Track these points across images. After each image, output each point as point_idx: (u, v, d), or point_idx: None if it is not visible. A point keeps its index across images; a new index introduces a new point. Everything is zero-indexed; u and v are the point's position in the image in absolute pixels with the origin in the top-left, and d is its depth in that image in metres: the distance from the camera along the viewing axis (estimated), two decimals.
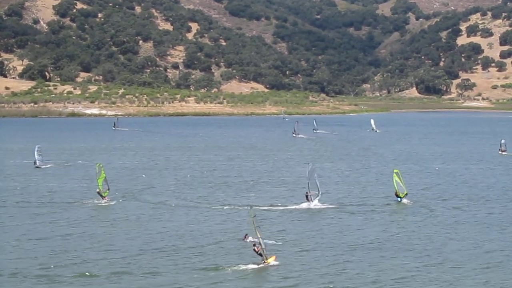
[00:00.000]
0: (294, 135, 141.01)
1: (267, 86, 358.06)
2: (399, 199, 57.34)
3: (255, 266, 38.06)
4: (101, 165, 58.05)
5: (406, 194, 57.57)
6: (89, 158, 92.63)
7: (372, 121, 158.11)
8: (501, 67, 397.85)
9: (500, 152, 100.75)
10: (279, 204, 56.77)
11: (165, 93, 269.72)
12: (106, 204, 56.43)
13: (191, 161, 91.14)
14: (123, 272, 37.21)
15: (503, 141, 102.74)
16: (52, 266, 37.96)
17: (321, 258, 39.99)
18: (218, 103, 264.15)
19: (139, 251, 41.72)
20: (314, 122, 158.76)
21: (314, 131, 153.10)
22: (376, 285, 34.95)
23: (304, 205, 55.68)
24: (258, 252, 38.47)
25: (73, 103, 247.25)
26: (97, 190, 57.11)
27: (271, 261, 38.46)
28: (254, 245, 38.62)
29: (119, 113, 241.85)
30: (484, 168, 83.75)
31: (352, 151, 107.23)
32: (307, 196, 55.97)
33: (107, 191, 57.18)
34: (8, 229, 48.07)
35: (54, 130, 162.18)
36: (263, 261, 38.39)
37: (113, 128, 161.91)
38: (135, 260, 39.78)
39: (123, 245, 43.17)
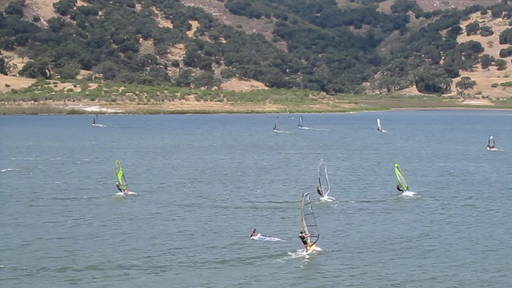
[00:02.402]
0: (275, 130, 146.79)
1: (267, 84, 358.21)
2: (401, 191, 59.54)
3: (302, 254, 39.36)
4: (119, 162, 60.65)
5: (407, 187, 59.76)
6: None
7: (378, 121, 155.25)
8: (501, 65, 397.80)
9: (488, 148, 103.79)
10: (291, 201, 57.57)
11: (165, 91, 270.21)
12: (126, 196, 59.05)
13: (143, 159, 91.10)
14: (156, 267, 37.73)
15: (491, 137, 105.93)
16: (73, 264, 38.14)
17: (339, 257, 39.90)
18: (218, 101, 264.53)
19: (178, 244, 42.48)
20: (300, 119, 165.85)
21: (300, 127, 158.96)
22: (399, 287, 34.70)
23: (319, 199, 56.77)
24: (304, 240, 39.66)
25: (73, 101, 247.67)
26: (116, 183, 59.97)
27: (313, 248, 39.70)
28: (301, 232, 39.81)
29: (119, 111, 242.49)
30: (476, 164, 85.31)
31: (359, 149, 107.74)
32: (319, 191, 57.35)
33: (126, 185, 59.86)
34: (25, 225, 48.27)
35: (32, 127, 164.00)
36: (306, 248, 39.69)
37: (93, 124, 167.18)
38: (172, 253, 40.41)
39: (146, 241, 43.66)
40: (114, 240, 43.94)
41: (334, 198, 57.60)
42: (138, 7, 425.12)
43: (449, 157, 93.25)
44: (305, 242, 39.83)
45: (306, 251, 39.65)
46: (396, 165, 60.41)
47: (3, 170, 76.91)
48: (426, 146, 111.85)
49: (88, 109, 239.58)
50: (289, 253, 40.15)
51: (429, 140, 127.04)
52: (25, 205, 55.59)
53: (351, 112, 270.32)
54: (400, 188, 59.76)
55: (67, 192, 62.16)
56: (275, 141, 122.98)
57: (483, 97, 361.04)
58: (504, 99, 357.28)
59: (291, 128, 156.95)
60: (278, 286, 34.82)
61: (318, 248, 40.08)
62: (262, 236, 43.15)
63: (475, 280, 35.57)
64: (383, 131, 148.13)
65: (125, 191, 59.60)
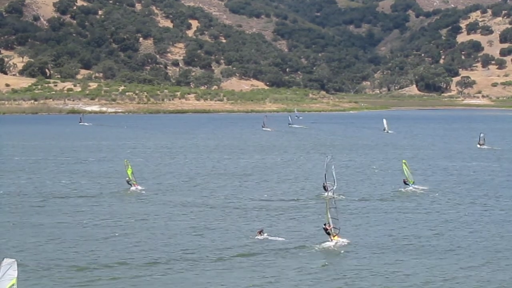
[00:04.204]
0: (263, 128, 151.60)
1: (267, 83, 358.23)
2: (408, 185, 62.60)
3: (328, 244, 40.98)
4: (127, 161, 64.38)
5: (414, 182, 63.11)
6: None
7: (385, 121, 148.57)
8: (501, 64, 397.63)
9: (478, 145, 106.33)
10: (299, 198, 58.27)
11: (165, 90, 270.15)
12: (136, 191, 61.94)
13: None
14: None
15: (481, 135, 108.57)
16: (86, 264, 38.31)
17: (349, 256, 39.95)
18: (218, 100, 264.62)
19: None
20: (290, 118, 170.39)
21: (290, 125, 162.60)
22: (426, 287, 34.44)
23: (324, 195, 57.72)
24: (327, 231, 41.55)
25: (73, 100, 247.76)
26: (127, 179, 63.20)
27: (337, 238, 41.46)
28: (325, 224, 41.75)
29: (119, 110, 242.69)
30: (469, 162, 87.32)
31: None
32: (324, 187, 58.64)
33: (135, 181, 63.34)
34: (38, 225, 48.45)
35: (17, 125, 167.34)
36: (330, 239, 41.49)
37: (80, 123, 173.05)
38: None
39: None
40: (124, 239, 44.24)
41: (341, 195, 58.10)
42: (138, 6, 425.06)
43: (450, 156, 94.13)
44: (328, 234, 41.66)
45: (330, 241, 41.38)
46: (403, 161, 64.02)
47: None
48: (430, 145, 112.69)
49: (88, 108, 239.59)
50: (297, 251, 40.42)
51: (433, 139, 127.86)
52: (35, 205, 55.85)
53: (351, 111, 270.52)
54: (407, 182, 62.82)
55: (75, 191, 62.78)
56: (277, 140, 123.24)
57: (483, 96, 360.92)
58: (504, 98, 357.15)
59: (280, 126, 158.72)
60: (290, 284, 34.90)
61: (341, 239, 41.69)
62: (267, 236, 43.40)
63: (493, 281, 35.32)
64: (389, 132, 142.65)
65: (135, 185, 62.85)
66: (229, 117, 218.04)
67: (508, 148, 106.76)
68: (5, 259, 23.94)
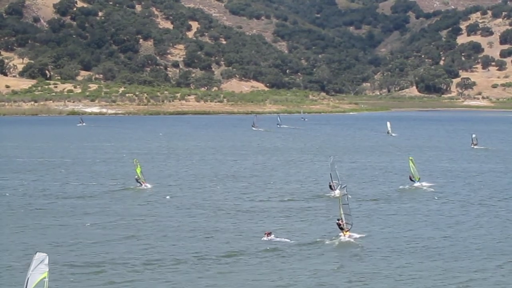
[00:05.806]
0: (253, 128, 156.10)
1: (267, 84, 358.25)
2: (413, 182, 64.02)
3: (336, 245, 41.84)
4: (137, 160, 66.18)
5: (419, 179, 64.42)
6: None
7: (388, 124, 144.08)
8: (501, 66, 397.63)
9: (472, 145, 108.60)
10: (305, 199, 58.54)
11: (165, 92, 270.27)
12: (146, 188, 64.13)
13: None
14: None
15: (474, 135, 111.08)
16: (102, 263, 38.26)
17: (355, 256, 39.88)
18: (218, 101, 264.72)
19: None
20: (278, 118, 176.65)
21: (278, 126, 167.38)
22: None
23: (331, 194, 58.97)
24: (340, 226, 42.88)
25: (73, 102, 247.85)
26: (136, 177, 65.12)
27: (349, 234, 42.70)
28: (338, 219, 43.01)
29: (120, 112, 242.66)
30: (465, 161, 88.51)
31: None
32: (330, 186, 59.76)
33: (144, 179, 65.15)
34: (55, 226, 48.51)
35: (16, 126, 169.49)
36: (343, 234, 42.74)
37: (81, 124, 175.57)
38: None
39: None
40: (132, 240, 44.16)
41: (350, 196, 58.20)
42: (138, 8, 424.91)
43: (453, 157, 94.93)
44: (341, 229, 42.82)
45: (343, 236, 42.54)
46: (410, 158, 65.13)
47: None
48: (433, 147, 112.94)
49: (88, 110, 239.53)
50: (304, 253, 40.30)
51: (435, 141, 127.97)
52: (45, 206, 55.83)
53: (351, 113, 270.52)
54: (413, 179, 64.17)
55: (83, 191, 62.82)
56: (279, 142, 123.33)
57: (483, 98, 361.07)
58: (504, 99, 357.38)
59: (270, 126, 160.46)
60: (297, 285, 34.73)
61: (354, 235, 42.75)
62: (274, 237, 43.39)
63: (505, 284, 34.84)
64: (393, 134, 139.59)
65: (143, 183, 64.70)
66: (229, 119, 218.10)
67: (508, 149, 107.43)
68: (37, 253, 25.05)
